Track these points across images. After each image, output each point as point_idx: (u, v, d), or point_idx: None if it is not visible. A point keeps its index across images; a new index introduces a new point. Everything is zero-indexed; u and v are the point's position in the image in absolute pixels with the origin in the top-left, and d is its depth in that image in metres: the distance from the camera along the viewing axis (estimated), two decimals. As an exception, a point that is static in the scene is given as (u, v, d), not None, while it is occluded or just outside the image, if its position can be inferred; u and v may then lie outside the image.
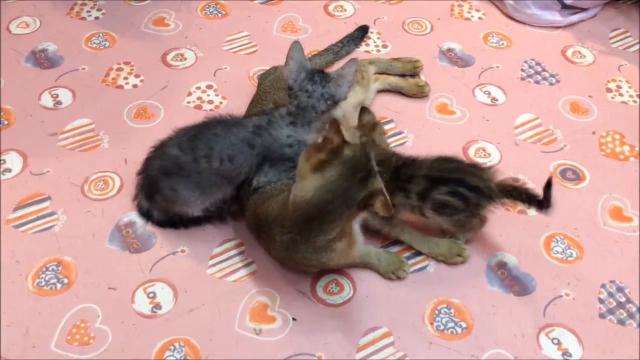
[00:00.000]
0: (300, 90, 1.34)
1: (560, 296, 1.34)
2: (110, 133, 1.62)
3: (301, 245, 1.20)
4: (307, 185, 1.14)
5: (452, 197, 1.29)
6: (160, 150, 1.37)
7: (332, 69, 1.77)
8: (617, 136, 1.66)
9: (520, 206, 1.32)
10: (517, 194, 1.30)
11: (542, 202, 1.28)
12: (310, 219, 1.15)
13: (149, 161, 1.40)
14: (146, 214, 1.43)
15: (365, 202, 1.12)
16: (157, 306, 1.30)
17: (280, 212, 1.22)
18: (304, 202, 1.14)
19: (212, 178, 1.33)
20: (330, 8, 2.03)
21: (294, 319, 1.29)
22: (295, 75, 1.35)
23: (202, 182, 1.33)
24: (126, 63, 1.82)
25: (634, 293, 1.35)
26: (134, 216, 1.45)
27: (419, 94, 1.74)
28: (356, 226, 1.26)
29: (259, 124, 1.35)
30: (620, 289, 1.35)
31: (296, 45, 1.36)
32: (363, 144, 1.19)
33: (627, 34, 1.98)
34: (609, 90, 1.80)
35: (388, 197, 1.11)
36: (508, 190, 1.30)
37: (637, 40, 1.96)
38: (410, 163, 1.33)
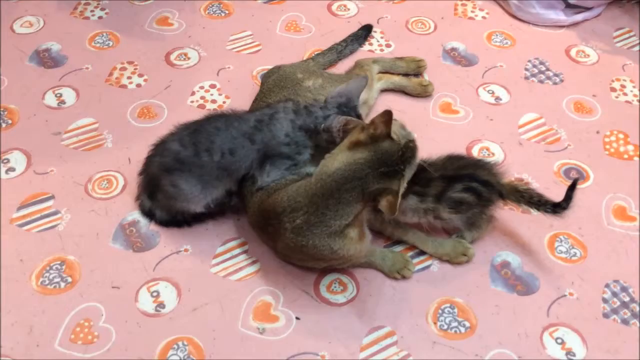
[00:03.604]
0: (323, 102, 1.35)
1: (564, 296, 1.34)
2: (114, 132, 1.63)
3: (315, 229, 1.19)
4: (336, 158, 1.18)
5: (466, 193, 1.30)
6: (160, 147, 1.38)
7: (336, 69, 1.79)
8: (621, 135, 1.66)
9: (530, 209, 1.33)
10: (529, 196, 1.31)
11: (560, 203, 1.29)
12: (328, 194, 1.16)
13: (149, 159, 1.40)
14: (148, 214, 1.44)
15: (375, 196, 1.14)
16: (161, 305, 1.30)
17: (293, 199, 1.22)
18: (327, 174, 1.17)
19: (214, 172, 1.33)
20: (334, 7, 2.03)
21: (297, 318, 1.29)
22: (335, 95, 1.35)
23: (203, 176, 1.33)
24: (130, 62, 1.82)
25: (638, 293, 1.34)
26: (137, 215, 1.45)
27: (423, 93, 1.74)
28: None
29: (261, 119, 1.35)
30: (624, 289, 1.35)
31: (361, 80, 1.37)
32: (407, 149, 1.17)
33: (632, 33, 1.97)
34: (613, 89, 1.79)
35: (399, 202, 1.12)
36: (519, 191, 1.31)
37: (642, 40, 1.96)
38: (424, 168, 1.31)
